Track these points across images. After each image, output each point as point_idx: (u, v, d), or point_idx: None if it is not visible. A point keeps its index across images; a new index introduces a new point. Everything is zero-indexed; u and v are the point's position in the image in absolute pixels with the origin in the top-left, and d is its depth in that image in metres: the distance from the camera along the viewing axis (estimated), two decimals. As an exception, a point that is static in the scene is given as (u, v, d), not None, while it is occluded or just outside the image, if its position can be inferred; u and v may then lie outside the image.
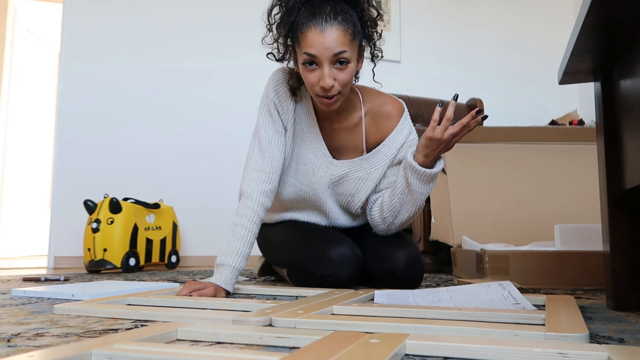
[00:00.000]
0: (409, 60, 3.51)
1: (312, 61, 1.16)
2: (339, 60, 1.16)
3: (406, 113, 1.39)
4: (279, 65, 1.33)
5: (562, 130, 2.38)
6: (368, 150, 1.38)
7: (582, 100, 3.69)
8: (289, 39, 1.22)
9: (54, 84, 4.33)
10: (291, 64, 1.31)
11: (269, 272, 1.72)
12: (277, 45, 1.25)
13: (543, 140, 2.34)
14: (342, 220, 1.47)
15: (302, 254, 1.35)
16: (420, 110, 2.99)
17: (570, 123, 3.07)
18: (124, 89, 2.99)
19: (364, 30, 1.22)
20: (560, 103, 3.65)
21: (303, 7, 1.16)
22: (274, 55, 1.27)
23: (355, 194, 1.40)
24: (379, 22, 1.25)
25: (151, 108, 3.02)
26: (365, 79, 1.36)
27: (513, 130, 2.36)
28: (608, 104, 1.07)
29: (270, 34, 1.24)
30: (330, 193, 1.41)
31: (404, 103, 1.39)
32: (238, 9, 3.17)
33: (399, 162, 1.37)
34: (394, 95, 1.43)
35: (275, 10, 1.22)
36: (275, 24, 1.22)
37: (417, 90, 3.21)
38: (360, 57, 1.24)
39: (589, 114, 3.44)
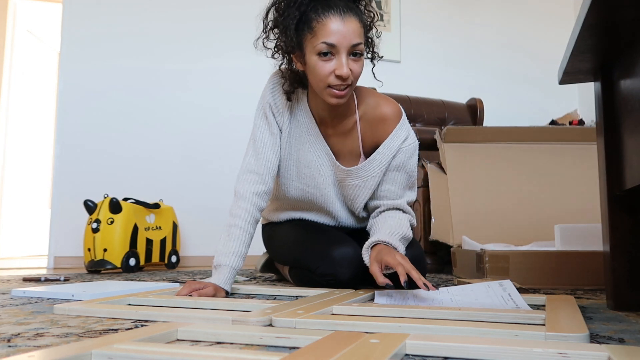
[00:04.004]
0: (409, 60, 3.51)
1: (328, 51, 1.15)
2: (353, 53, 1.16)
3: (403, 118, 1.34)
4: (276, 67, 1.32)
5: (562, 130, 2.38)
6: (365, 154, 1.37)
7: (582, 100, 3.69)
8: (295, 32, 1.18)
9: (54, 84, 4.33)
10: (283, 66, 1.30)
11: (271, 269, 1.73)
12: (285, 38, 1.20)
13: (543, 140, 2.34)
14: (350, 221, 1.47)
15: (305, 251, 1.35)
16: (420, 110, 3.00)
17: (570, 123, 3.07)
18: (124, 89, 2.99)
19: (366, 31, 1.22)
20: (560, 103, 3.65)
21: (312, 1, 1.16)
22: (282, 48, 1.23)
23: (354, 200, 1.39)
24: (379, 23, 1.26)
25: (152, 108, 3.02)
26: (364, 79, 1.36)
27: (513, 130, 2.36)
28: (608, 104, 1.07)
29: (271, 32, 1.23)
30: (336, 192, 1.41)
31: (400, 107, 1.36)
32: (241, 11, 3.16)
33: (396, 168, 1.35)
34: (393, 96, 1.41)
35: (276, 8, 1.20)
36: (282, 18, 1.19)
37: (417, 90, 3.21)
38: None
39: (589, 114, 3.44)
